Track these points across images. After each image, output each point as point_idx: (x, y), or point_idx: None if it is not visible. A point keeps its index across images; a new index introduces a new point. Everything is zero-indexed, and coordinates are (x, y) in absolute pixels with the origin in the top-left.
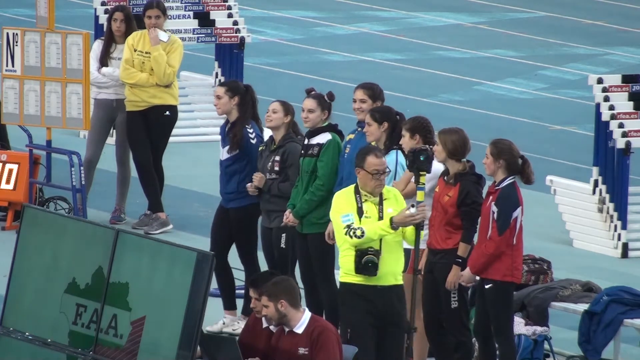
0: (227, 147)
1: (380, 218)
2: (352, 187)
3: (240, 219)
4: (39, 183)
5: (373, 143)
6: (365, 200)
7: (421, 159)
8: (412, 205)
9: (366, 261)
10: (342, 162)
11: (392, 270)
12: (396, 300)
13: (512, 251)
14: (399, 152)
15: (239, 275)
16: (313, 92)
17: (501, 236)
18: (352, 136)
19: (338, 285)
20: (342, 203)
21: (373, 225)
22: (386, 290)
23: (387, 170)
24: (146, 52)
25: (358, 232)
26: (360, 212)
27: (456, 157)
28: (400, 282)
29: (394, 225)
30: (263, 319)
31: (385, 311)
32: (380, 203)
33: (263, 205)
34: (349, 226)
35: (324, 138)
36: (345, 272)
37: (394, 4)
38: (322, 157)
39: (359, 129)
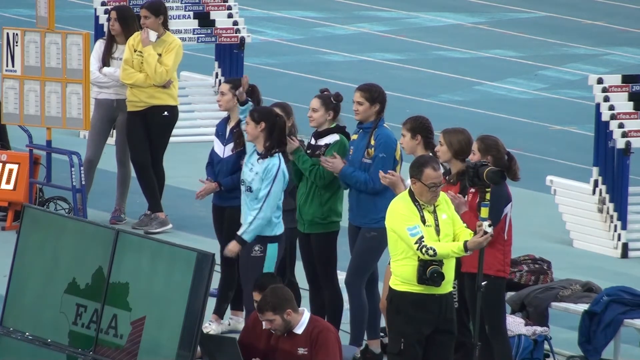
0: (230, 145)
1: (437, 226)
2: (406, 194)
3: (236, 217)
4: (39, 183)
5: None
6: (423, 207)
7: (490, 174)
8: (482, 226)
9: (432, 272)
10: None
11: (449, 279)
12: (451, 307)
13: (504, 246)
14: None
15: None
16: (324, 93)
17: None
18: (355, 137)
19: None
20: (405, 212)
21: (445, 247)
22: (444, 298)
23: (443, 181)
24: None
25: (430, 252)
26: (423, 221)
27: (461, 157)
28: (451, 289)
29: (469, 250)
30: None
31: (441, 319)
32: (434, 211)
33: None
34: (420, 240)
35: (332, 139)
36: (402, 281)
37: (394, 4)
38: (325, 156)
39: (361, 130)
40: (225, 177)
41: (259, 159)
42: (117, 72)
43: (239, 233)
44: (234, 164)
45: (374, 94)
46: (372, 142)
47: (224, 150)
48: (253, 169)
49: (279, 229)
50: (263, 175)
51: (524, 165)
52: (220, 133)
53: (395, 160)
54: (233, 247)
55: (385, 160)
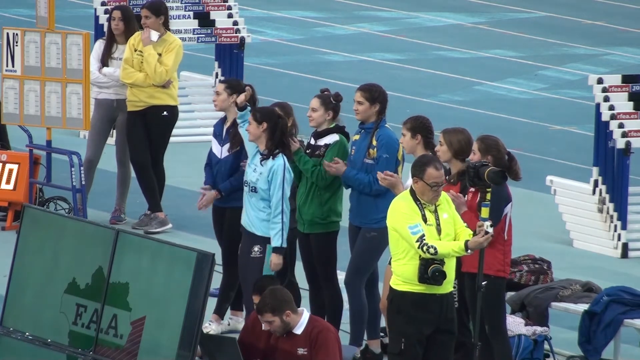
0: (227, 146)
1: (438, 225)
2: (408, 194)
3: (237, 218)
4: (39, 183)
5: (371, 145)
6: (425, 206)
7: (491, 174)
8: (484, 226)
9: (434, 271)
10: (348, 163)
11: (450, 278)
12: (451, 307)
13: (504, 246)
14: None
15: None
16: (324, 93)
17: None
18: (357, 137)
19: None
20: (406, 211)
21: (446, 246)
22: (444, 298)
23: (445, 180)
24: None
25: (431, 250)
26: (424, 219)
27: (461, 157)
28: (452, 288)
29: (470, 250)
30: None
31: (442, 319)
32: (435, 210)
33: None
34: (421, 239)
35: (331, 139)
36: (403, 280)
37: (394, 4)
38: (326, 157)
39: (362, 130)
40: (224, 177)
41: (261, 160)
42: (116, 72)
43: (274, 245)
44: (232, 165)
45: (374, 94)
46: (374, 143)
47: (222, 151)
48: (257, 170)
49: None
50: (269, 177)
51: (524, 165)
52: (217, 134)
53: (397, 160)
54: (277, 260)
55: (389, 160)
